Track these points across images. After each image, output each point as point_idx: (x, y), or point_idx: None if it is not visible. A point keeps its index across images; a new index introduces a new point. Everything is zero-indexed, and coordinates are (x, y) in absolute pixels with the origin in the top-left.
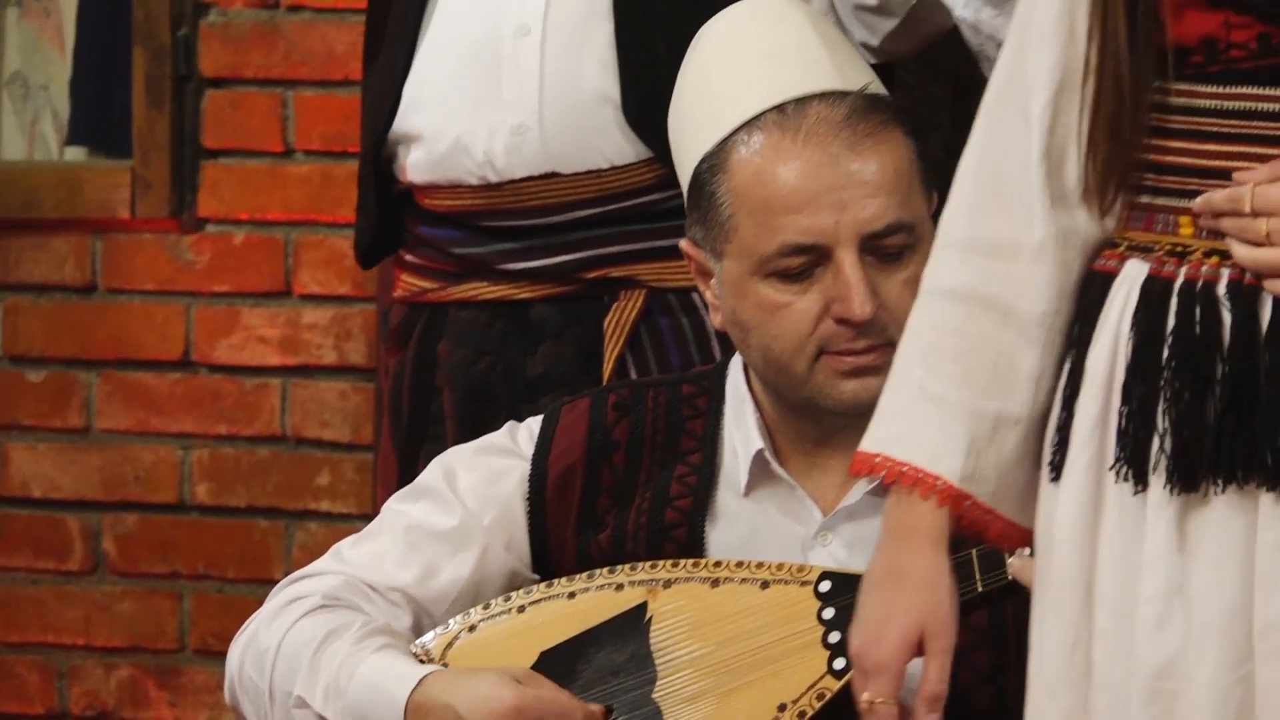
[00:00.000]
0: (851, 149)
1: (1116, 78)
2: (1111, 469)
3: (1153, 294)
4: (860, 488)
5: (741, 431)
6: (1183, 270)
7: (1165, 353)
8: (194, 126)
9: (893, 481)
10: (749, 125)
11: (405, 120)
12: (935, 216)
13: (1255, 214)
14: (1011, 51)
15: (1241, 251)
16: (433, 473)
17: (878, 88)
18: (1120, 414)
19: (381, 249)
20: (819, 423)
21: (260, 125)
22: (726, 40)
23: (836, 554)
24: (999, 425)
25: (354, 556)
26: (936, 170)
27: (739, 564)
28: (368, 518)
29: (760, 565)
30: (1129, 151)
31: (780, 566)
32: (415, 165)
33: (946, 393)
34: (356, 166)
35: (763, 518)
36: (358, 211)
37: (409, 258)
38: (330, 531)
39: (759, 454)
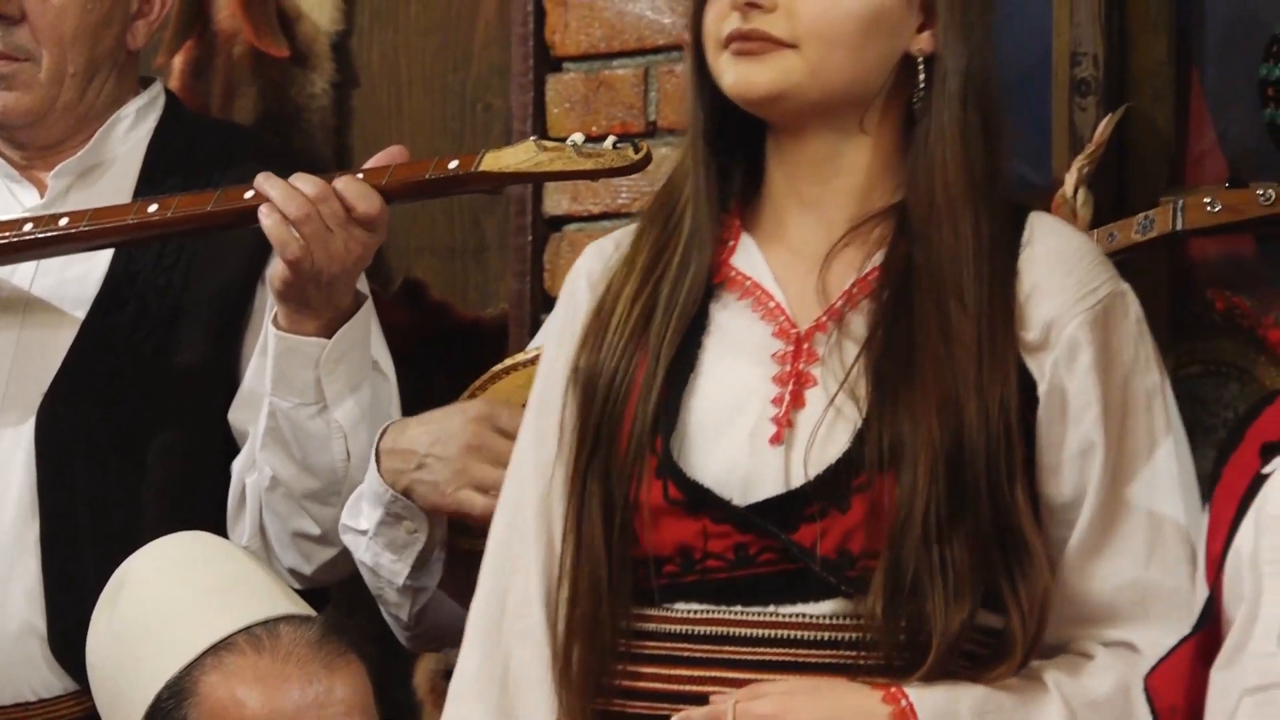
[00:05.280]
0: (327, 669)
1: (593, 580)
2: None
3: None
4: None
5: None
6: None
7: None
8: None
9: None
10: (218, 649)
11: None
12: None
13: None
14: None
15: None
16: None
17: (328, 617)
18: None
19: None
20: None
21: None
22: (165, 572)
23: None
24: None
25: None
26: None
27: None
28: None
29: None
30: (599, 674)
31: None
32: None
33: None
34: None
35: None
36: None
37: None
38: None
39: None
